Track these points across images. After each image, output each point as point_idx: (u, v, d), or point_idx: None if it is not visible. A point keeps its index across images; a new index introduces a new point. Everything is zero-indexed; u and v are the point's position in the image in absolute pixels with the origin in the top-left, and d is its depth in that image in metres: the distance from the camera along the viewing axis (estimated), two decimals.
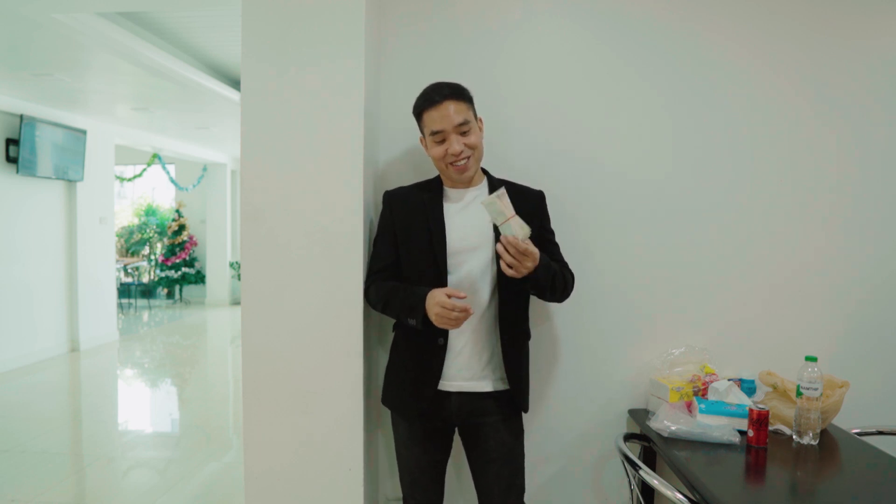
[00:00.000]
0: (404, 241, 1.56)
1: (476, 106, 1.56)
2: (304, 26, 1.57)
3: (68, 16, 2.99)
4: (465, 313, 1.38)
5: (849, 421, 1.76)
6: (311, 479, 1.61)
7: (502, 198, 1.37)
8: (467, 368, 1.52)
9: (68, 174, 5.63)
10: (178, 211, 9.17)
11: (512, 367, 1.54)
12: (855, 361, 1.89)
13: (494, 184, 1.60)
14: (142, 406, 4.49)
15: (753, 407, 1.56)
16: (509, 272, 1.38)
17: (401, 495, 1.68)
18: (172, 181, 8.33)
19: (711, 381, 1.74)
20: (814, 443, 1.57)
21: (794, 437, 1.61)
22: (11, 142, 5.08)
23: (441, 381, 1.53)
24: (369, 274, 1.60)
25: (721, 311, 1.91)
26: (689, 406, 1.71)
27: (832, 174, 1.90)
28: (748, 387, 1.80)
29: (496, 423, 1.56)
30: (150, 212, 9.61)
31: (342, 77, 1.57)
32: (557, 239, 1.67)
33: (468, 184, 1.58)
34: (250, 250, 1.60)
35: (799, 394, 1.57)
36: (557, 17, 1.87)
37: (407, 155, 1.87)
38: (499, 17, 1.86)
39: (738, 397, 1.70)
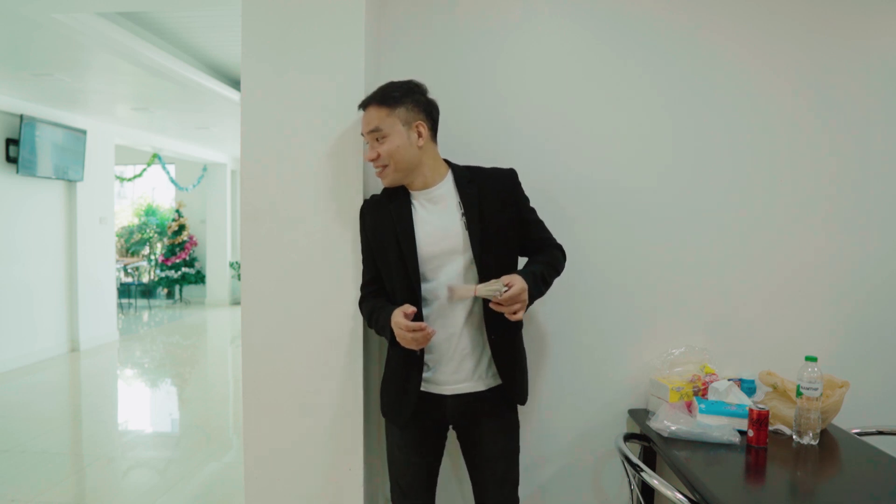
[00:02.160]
0: (379, 253, 1.52)
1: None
2: (304, 26, 1.57)
3: (68, 16, 2.99)
4: (422, 332, 1.36)
5: (849, 421, 1.76)
6: (311, 479, 1.62)
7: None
8: (459, 371, 1.50)
9: (68, 174, 5.63)
10: (178, 211, 9.17)
11: (503, 362, 1.53)
12: (855, 361, 1.89)
13: (458, 172, 1.54)
14: (142, 406, 4.49)
15: (753, 407, 1.56)
16: (518, 317, 1.39)
17: None
18: (172, 181, 8.33)
19: (711, 381, 1.75)
20: (814, 443, 1.57)
21: (794, 437, 1.61)
22: (11, 142, 5.08)
23: (435, 386, 1.51)
24: (361, 288, 1.59)
25: (721, 311, 1.91)
26: (689, 406, 1.71)
27: (832, 174, 1.90)
28: (748, 387, 1.80)
29: (492, 423, 1.55)
30: (150, 212, 9.61)
31: (342, 77, 1.57)
32: (559, 239, 1.65)
33: (427, 184, 1.51)
34: (250, 250, 1.61)
35: (799, 394, 1.57)
36: (557, 18, 1.87)
37: None
38: (499, 17, 1.86)
39: (738, 397, 1.70)
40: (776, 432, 1.64)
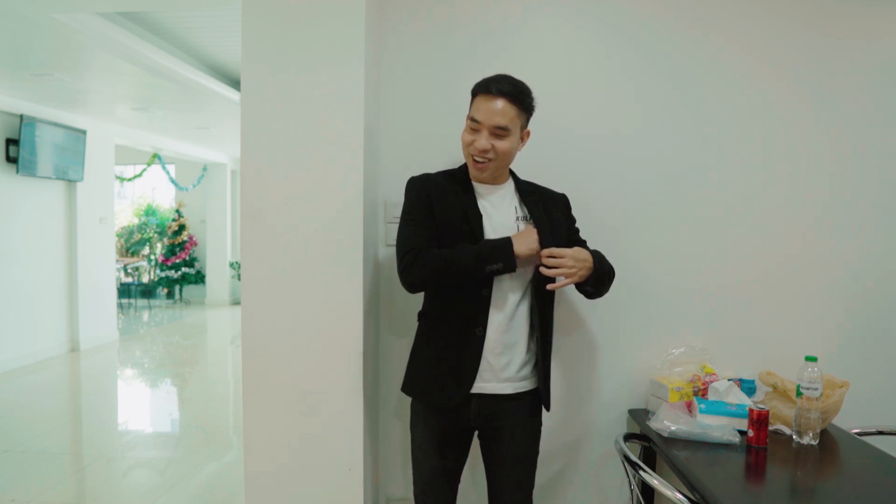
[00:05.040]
0: (445, 227, 1.48)
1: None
2: (304, 27, 1.57)
3: (68, 16, 2.98)
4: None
5: (849, 421, 1.76)
6: (311, 479, 1.62)
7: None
8: (488, 370, 1.48)
9: (68, 174, 5.63)
10: (178, 211, 9.16)
11: (543, 366, 1.52)
12: (855, 361, 1.90)
13: (518, 180, 1.58)
14: (142, 406, 4.48)
15: (753, 407, 1.56)
16: (571, 277, 1.42)
17: (402, 495, 1.67)
18: (172, 181, 8.33)
19: (711, 381, 1.75)
20: (814, 443, 1.57)
21: (794, 437, 1.61)
22: (11, 142, 5.07)
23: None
24: (409, 250, 1.45)
25: (721, 311, 1.91)
26: (689, 406, 1.71)
27: (832, 174, 1.90)
28: (748, 387, 1.80)
29: (514, 428, 1.52)
30: (150, 212, 9.61)
31: (342, 77, 1.57)
32: None
33: (494, 181, 1.54)
34: (250, 250, 1.61)
35: (799, 394, 1.57)
36: (558, 18, 1.87)
37: (407, 154, 1.86)
38: (499, 17, 1.86)
39: (738, 397, 1.70)
40: (776, 432, 1.64)
